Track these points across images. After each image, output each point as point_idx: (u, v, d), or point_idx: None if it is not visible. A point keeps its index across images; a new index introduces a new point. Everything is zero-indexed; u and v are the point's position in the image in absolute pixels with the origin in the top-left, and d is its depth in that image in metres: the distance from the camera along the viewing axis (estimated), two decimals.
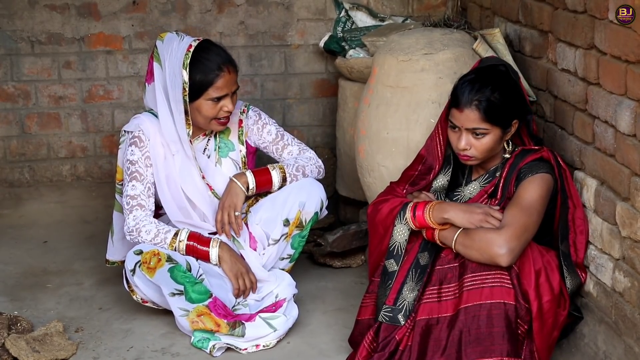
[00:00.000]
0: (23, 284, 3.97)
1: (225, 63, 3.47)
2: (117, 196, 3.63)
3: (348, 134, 4.31)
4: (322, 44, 4.59)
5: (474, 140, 3.10)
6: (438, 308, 3.02)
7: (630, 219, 2.82)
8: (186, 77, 3.40)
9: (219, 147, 3.64)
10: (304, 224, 3.57)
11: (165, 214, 3.59)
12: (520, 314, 2.95)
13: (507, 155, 3.18)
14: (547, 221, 3.11)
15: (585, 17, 3.05)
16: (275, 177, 3.57)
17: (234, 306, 3.47)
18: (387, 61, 3.67)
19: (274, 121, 3.73)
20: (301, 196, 3.55)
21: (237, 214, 3.54)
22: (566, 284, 3.07)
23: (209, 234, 3.57)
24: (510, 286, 2.95)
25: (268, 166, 3.59)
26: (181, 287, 3.33)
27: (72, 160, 4.79)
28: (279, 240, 3.57)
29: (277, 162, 3.70)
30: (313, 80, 4.79)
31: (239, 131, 3.67)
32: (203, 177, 3.57)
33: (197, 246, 3.45)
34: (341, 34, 4.54)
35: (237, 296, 3.49)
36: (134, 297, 3.52)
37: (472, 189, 3.24)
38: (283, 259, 3.62)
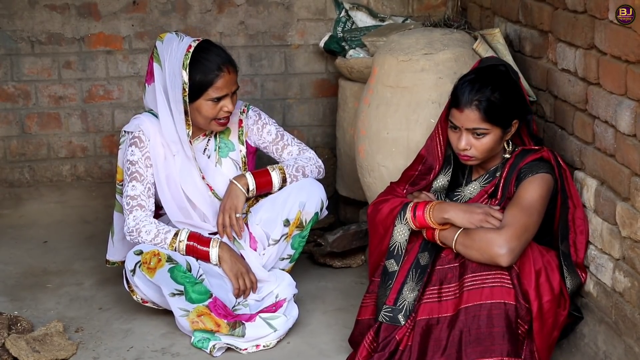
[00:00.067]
0: (23, 284, 3.97)
1: (225, 63, 3.47)
2: (117, 196, 3.63)
3: (348, 134, 4.31)
4: (322, 44, 4.59)
5: (474, 141, 3.10)
6: (438, 308, 3.02)
7: (631, 219, 2.82)
8: (186, 78, 3.40)
9: (219, 147, 3.64)
10: (304, 224, 3.57)
11: (166, 214, 3.59)
12: (521, 314, 2.95)
13: (507, 155, 3.18)
14: (547, 221, 3.11)
15: (585, 17, 3.05)
16: (275, 178, 3.57)
17: (234, 306, 3.47)
18: (387, 61, 3.67)
19: (274, 121, 3.73)
20: (301, 196, 3.55)
21: (238, 215, 3.54)
22: (566, 284, 3.07)
23: (209, 234, 3.57)
24: (511, 286, 2.95)
25: (268, 167, 3.59)
26: (181, 287, 3.33)
27: (72, 160, 4.79)
28: (279, 240, 3.57)
29: (277, 162, 3.70)
30: (313, 80, 4.79)
31: (239, 131, 3.67)
32: (203, 178, 3.57)
33: (197, 246, 3.45)
34: (341, 34, 4.54)
35: (237, 296, 3.49)
36: (134, 297, 3.52)
37: (472, 189, 3.24)
38: (283, 259, 3.62)
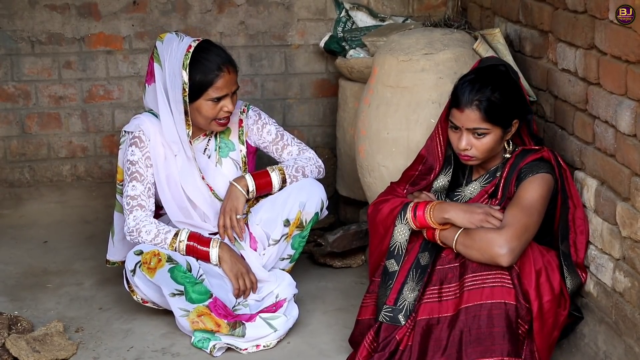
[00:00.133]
0: (23, 284, 3.97)
1: (225, 63, 3.47)
2: (117, 196, 3.63)
3: (348, 134, 4.31)
4: (322, 44, 4.59)
5: (475, 140, 3.10)
6: (439, 308, 3.02)
7: (631, 219, 2.82)
8: (186, 78, 3.40)
9: (219, 147, 3.64)
10: (304, 224, 3.57)
11: (166, 214, 3.59)
12: (521, 313, 2.95)
13: (507, 155, 3.18)
14: (548, 221, 3.11)
15: (586, 17, 3.05)
16: (275, 179, 3.57)
17: (234, 306, 3.47)
18: (387, 61, 3.67)
19: (274, 121, 3.73)
20: (301, 196, 3.55)
21: (238, 217, 3.54)
22: (566, 284, 3.07)
23: (210, 234, 3.57)
24: (511, 286, 2.95)
25: (267, 168, 3.59)
26: (181, 288, 3.33)
27: (72, 160, 4.79)
28: (279, 240, 3.57)
29: (277, 162, 3.70)
30: (313, 80, 4.79)
31: (239, 131, 3.67)
32: (203, 178, 3.57)
33: (197, 246, 3.45)
34: (341, 34, 4.54)
35: (237, 296, 3.49)
36: (134, 297, 3.52)
37: (472, 189, 3.24)
38: (283, 259, 3.62)
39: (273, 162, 3.74)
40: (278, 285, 3.54)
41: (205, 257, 3.46)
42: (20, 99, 4.69)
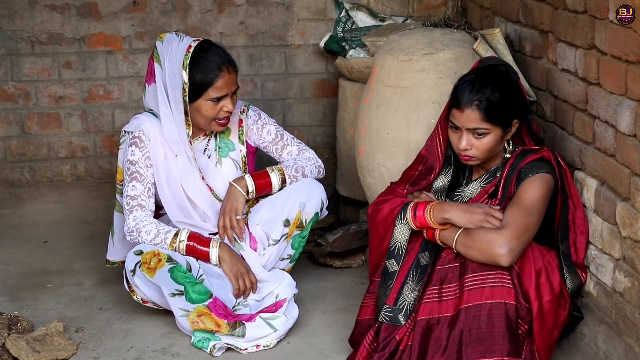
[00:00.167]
0: (23, 284, 3.97)
1: (225, 63, 3.47)
2: (117, 196, 3.63)
3: (348, 134, 4.31)
4: (322, 44, 4.59)
5: (475, 140, 3.10)
6: (439, 308, 3.02)
7: (631, 219, 2.82)
8: (186, 78, 3.40)
9: (219, 147, 3.64)
10: (304, 224, 3.57)
11: (166, 214, 3.59)
12: (521, 313, 2.95)
13: (507, 155, 3.18)
14: (548, 221, 3.11)
15: (586, 17, 3.05)
16: (275, 179, 3.57)
17: (234, 306, 3.47)
18: (387, 61, 3.67)
19: (273, 121, 3.73)
20: (301, 196, 3.55)
21: (238, 218, 3.54)
22: (566, 284, 3.07)
23: (210, 234, 3.57)
24: (511, 286, 2.95)
25: (267, 169, 3.59)
26: (181, 288, 3.33)
27: (72, 160, 4.79)
28: (279, 240, 3.57)
29: (277, 163, 3.70)
30: (313, 80, 4.79)
31: (239, 131, 3.67)
32: (203, 178, 3.57)
33: (197, 246, 3.45)
34: (341, 34, 4.54)
35: (237, 296, 3.49)
36: (134, 297, 3.52)
37: (472, 189, 3.24)
38: (283, 259, 3.62)
39: (273, 162, 3.75)
40: (278, 285, 3.54)
41: (205, 257, 3.46)
42: (20, 99, 4.69)
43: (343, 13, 4.63)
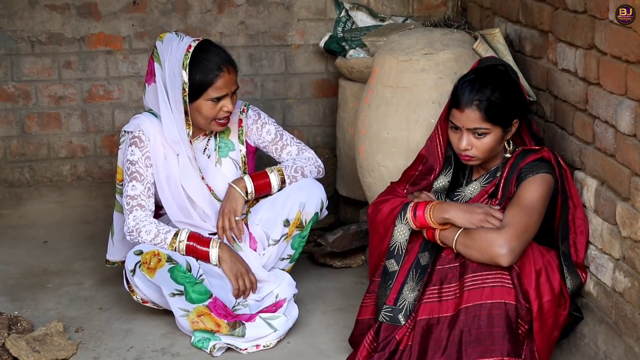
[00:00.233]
0: (23, 284, 3.97)
1: (224, 63, 3.47)
2: (117, 196, 3.63)
3: (348, 134, 4.31)
4: (322, 44, 4.59)
5: (475, 140, 3.10)
6: (439, 308, 3.02)
7: (631, 219, 2.82)
8: (186, 78, 3.40)
9: (219, 147, 3.64)
10: (304, 224, 3.57)
11: (166, 214, 3.59)
12: (521, 313, 2.95)
13: (507, 155, 3.18)
14: (548, 221, 3.11)
15: (586, 17, 3.05)
16: (274, 180, 3.57)
17: (234, 306, 3.47)
18: (387, 61, 3.67)
19: (273, 121, 3.73)
20: (301, 196, 3.55)
21: (237, 219, 3.54)
22: (567, 284, 3.07)
23: (210, 234, 3.57)
24: (511, 286, 2.95)
25: (266, 169, 3.59)
26: (181, 288, 3.33)
27: (72, 160, 4.79)
28: (279, 240, 3.57)
29: (277, 163, 3.70)
30: (313, 80, 4.79)
31: (238, 131, 3.67)
32: (203, 178, 3.57)
33: (197, 246, 3.45)
34: (341, 34, 4.54)
35: (237, 296, 3.49)
36: (134, 297, 3.52)
37: (472, 189, 3.24)
38: (283, 259, 3.62)
39: (273, 161, 3.75)
40: (278, 285, 3.54)
41: (205, 257, 3.46)
42: (20, 99, 4.69)
43: (343, 13, 4.63)
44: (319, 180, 3.65)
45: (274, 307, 3.44)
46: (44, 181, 4.78)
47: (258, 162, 3.80)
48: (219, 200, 3.59)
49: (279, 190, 3.59)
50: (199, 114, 3.48)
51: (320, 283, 3.94)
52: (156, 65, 3.47)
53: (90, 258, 4.20)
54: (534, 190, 3.05)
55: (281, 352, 3.37)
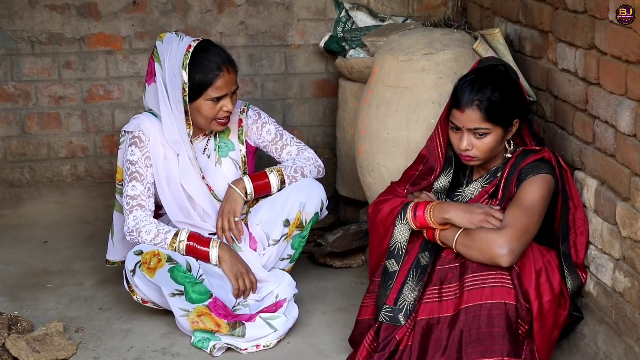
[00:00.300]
0: (23, 284, 3.97)
1: (224, 63, 3.47)
2: (117, 196, 3.63)
3: (348, 134, 4.31)
4: (322, 44, 4.59)
5: (476, 141, 3.10)
6: (439, 308, 3.02)
7: (631, 219, 2.82)
8: (185, 78, 3.40)
9: (218, 147, 3.64)
10: (304, 224, 3.57)
11: (166, 214, 3.59)
12: (521, 314, 2.95)
13: (508, 155, 3.18)
14: (548, 222, 3.11)
15: (586, 17, 3.05)
16: (273, 180, 3.57)
17: (234, 306, 3.47)
18: (387, 61, 3.67)
19: (273, 120, 3.73)
20: (301, 196, 3.55)
21: (236, 219, 3.54)
22: (567, 284, 3.07)
23: (209, 234, 3.57)
24: (511, 286, 2.95)
25: (266, 170, 3.59)
26: (181, 288, 3.33)
27: (72, 160, 4.79)
28: (279, 240, 3.57)
29: (276, 163, 3.70)
30: (313, 80, 4.79)
31: (238, 131, 3.67)
32: (203, 178, 3.57)
33: (197, 246, 3.45)
34: (341, 34, 4.54)
35: (237, 296, 3.49)
36: (134, 297, 3.52)
37: (473, 189, 3.24)
38: (283, 259, 3.62)
39: (273, 161, 3.75)
40: (278, 285, 3.54)
41: (205, 257, 3.46)
42: (20, 99, 4.69)
43: (343, 13, 4.63)
44: (319, 180, 3.65)
45: (274, 307, 3.44)
46: (44, 181, 4.78)
47: (258, 162, 3.80)
48: (218, 200, 3.59)
49: (279, 190, 3.59)
50: (199, 113, 3.48)
51: (320, 283, 3.94)
52: (156, 65, 3.48)
53: (90, 258, 4.20)
54: (534, 190, 3.05)
55: (281, 352, 3.37)
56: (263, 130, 3.68)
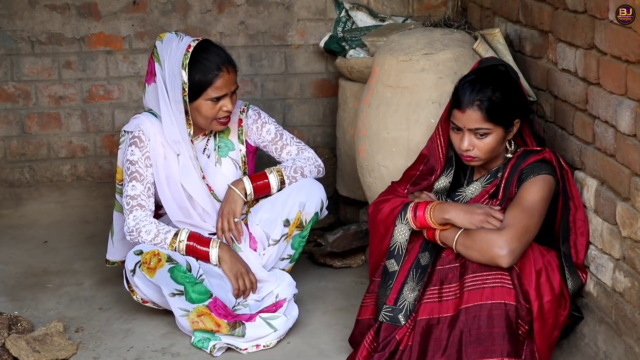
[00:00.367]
0: (23, 284, 3.97)
1: (224, 63, 3.47)
2: (117, 196, 3.63)
3: (348, 134, 4.31)
4: (322, 44, 4.59)
5: (477, 141, 3.10)
6: (439, 308, 3.02)
7: (631, 219, 2.82)
8: (185, 78, 3.40)
9: (218, 147, 3.64)
10: (304, 224, 3.57)
11: (166, 214, 3.59)
12: (521, 314, 2.95)
13: (509, 155, 3.18)
14: (548, 223, 3.11)
15: (586, 17, 3.05)
16: (273, 181, 3.57)
17: (234, 306, 3.47)
18: (387, 61, 3.67)
19: (273, 120, 3.73)
20: (301, 196, 3.55)
21: (236, 220, 3.54)
22: (568, 285, 3.07)
23: (209, 234, 3.57)
24: (511, 286, 2.95)
25: (265, 170, 3.59)
26: (181, 287, 3.33)
27: (72, 160, 4.79)
28: (279, 240, 3.57)
29: (276, 163, 3.70)
30: (313, 80, 4.79)
31: (238, 130, 3.67)
32: (203, 178, 3.57)
33: (197, 246, 3.45)
34: (341, 34, 4.54)
35: (237, 296, 3.49)
36: (134, 297, 3.52)
37: (473, 189, 3.24)
38: (283, 259, 3.62)
39: (273, 161, 3.75)
40: (278, 285, 3.54)
41: (205, 257, 3.46)
42: (20, 99, 4.69)
43: (343, 13, 4.63)
44: (319, 180, 3.65)
45: (274, 307, 3.44)
46: (44, 181, 4.78)
47: (258, 161, 3.80)
48: (218, 200, 3.59)
49: (279, 191, 3.59)
50: (198, 113, 3.48)
51: (320, 283, 3.94)
52: (156, 65, 3.48)
53: (90, 258, 4.20)
54: (535, 191, 3.04)
55: (281, 352, 3.37)
56: (263, 130, 3.68)
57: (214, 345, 3.34)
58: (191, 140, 3.51)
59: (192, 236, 3.46)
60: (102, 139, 4.78)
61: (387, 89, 3.65)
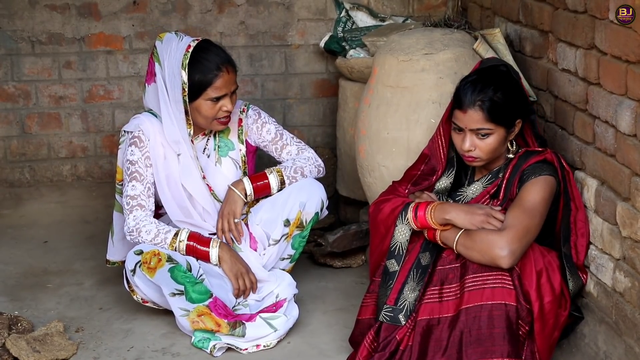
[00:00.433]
0: (23, 284, 3.97)
1: (224, 63, 3.47)
2: (117, 196, 3.63)
3: (348, 134, 4.31)
4: (322, 44, 4.59)
5: (478, 141, 3.10)
6: (439, 308, 3.02)
7: (631, 219, 2.82)
8: (185, 78, 3.40)
9: (218, 147, 3.64)
10: (304, 224, 3.57)
11: (166, 214, 3.59)
12: (522, 314, 2.95)
13: (510, 156, 3.18)
14: (549, 223, 3.11)
15: (586, 17, 3.05)
16: (273, 181, 3.57)
17: (234, 306, 3.47)
18: (387, 61, 3.67)
19: (273, 120, 3.73)
20: (301, 196, 3.55)
21: (236, 221, 3.55)
22: (569, 286, 3.07)
23: (210, 234, 3.57)
24: (512, 287, 2.95)
25: (265, 171, 3.59)
26: (181, 287, 3.33)
27: (72, 160, 4.79)
28: (279, 240, 3.57)
29: (277, 163, 3.70)
30: (313, 80, 4.79)
31: (238, 130, 3.67)
32: (204, 177, 3.57)
33: (197, 246, 3.45)
34: (341, 34, 4.54)
35: (237, 296, 3.49)
36: (135, 297, 3.52)
37: (474, 189, 3.24)
38: (283, 259, 3.62)
39: (273, 161, 3.75)
40: (278, 285, 3.54)
41: (205, 257, 3.46)
42: (20, 99, 4.69)
43: (343, 13, 4.63)
44: (319, 179, 3.65)
45: (274, 307, 3.44)
46: (44, 181, 4.78)
47: (258, 161, 3.80)
48: (218, 200, 3.59)
49: (279, 191, 3.59)
50: (198, 113, 3.48)
51: (320, 283, 3.94)
52: (156, 65, 3.48)
53: (90, 258, 4.21)
54: (536, 192, 3.04)
55: (281, 352, 3.37)
56: (263, 130, 3.68)
57: (214, 345, 3.34)
58: (191, 140, 3.51)
59: (192, 236, 3.46)
60: (102, 139, 4.78)
61: (387, 89, 3.65)
